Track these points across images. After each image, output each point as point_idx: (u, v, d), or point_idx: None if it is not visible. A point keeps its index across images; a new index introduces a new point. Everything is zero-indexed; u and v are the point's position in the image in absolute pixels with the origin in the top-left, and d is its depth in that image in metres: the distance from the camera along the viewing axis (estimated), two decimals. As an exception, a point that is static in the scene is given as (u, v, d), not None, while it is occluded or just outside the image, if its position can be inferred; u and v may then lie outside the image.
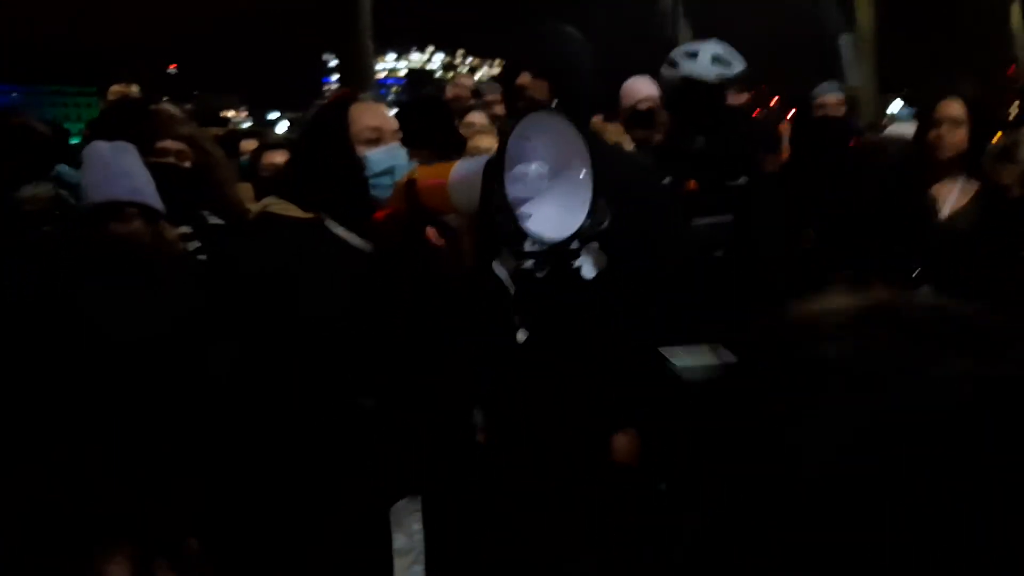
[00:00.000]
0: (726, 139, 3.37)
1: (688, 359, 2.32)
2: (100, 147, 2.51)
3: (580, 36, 2.68)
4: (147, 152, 2.82)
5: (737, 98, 3.58)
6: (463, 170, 1.88)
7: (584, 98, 2.62)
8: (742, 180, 3.38)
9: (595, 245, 2.47)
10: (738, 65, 3.43)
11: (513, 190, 1.74)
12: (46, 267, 2.35)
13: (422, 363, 2.06)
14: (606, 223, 2.46)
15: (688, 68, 3.36)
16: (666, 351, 2.37)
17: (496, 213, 1.76)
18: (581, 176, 1.87)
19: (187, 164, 3.00)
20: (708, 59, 3.46)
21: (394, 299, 2.01)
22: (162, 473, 2.09)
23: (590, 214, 2.41)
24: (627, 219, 2.46)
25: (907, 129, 4.01)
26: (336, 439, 1.97)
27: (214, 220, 3.04)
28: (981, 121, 3.17)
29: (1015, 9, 20.83)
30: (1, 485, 1.96)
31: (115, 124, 3.22)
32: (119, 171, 2.45)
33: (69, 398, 2.14)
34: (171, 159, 2.95)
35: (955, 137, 3.11)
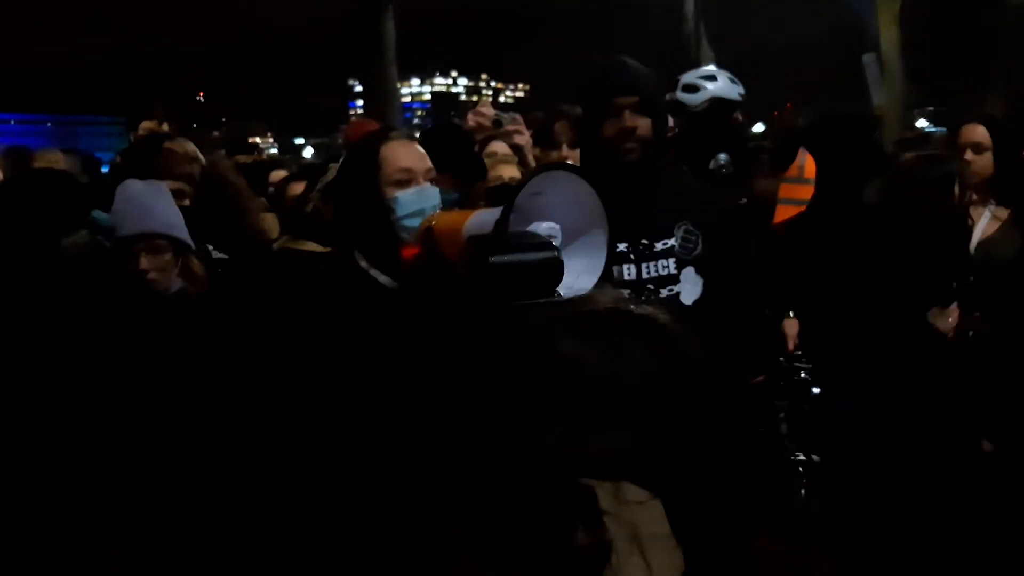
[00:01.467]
0: (741, 156, 3.43)
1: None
2: (133, 184, 2.57)
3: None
4: None
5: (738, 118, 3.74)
6: (479, 220, 1.87)
7: (666, 133, 2.63)
8: (744, 200, 3.43)
9: (691, 270, 2.47)
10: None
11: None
12: (78, 297, 2.38)
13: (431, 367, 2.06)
14: (699, 249, 2.47)
15: (714, 89, 3.51)
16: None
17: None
18: (596, 240, 1.84)
19: (186, 202, 3.02)
20: (727, 79, 3.61)
21: (416, 337, 2.02)
22: (162, 474, 2.10)
23: (678, 238, 2.44)
24: (717, 243, 2.47)
25: None
26: (332, 439, 1.97)
27: (218, 255, 3.07)
28: (1006, 143, 3.14)
29: (1043, 24, 20.64)
30: (2, 485, 1.99)
31: (134, 162, 3.28)
32: (150, 207, 2.50)
33: (68, 398, 2.16)
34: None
35: (980, 163, 3.08)
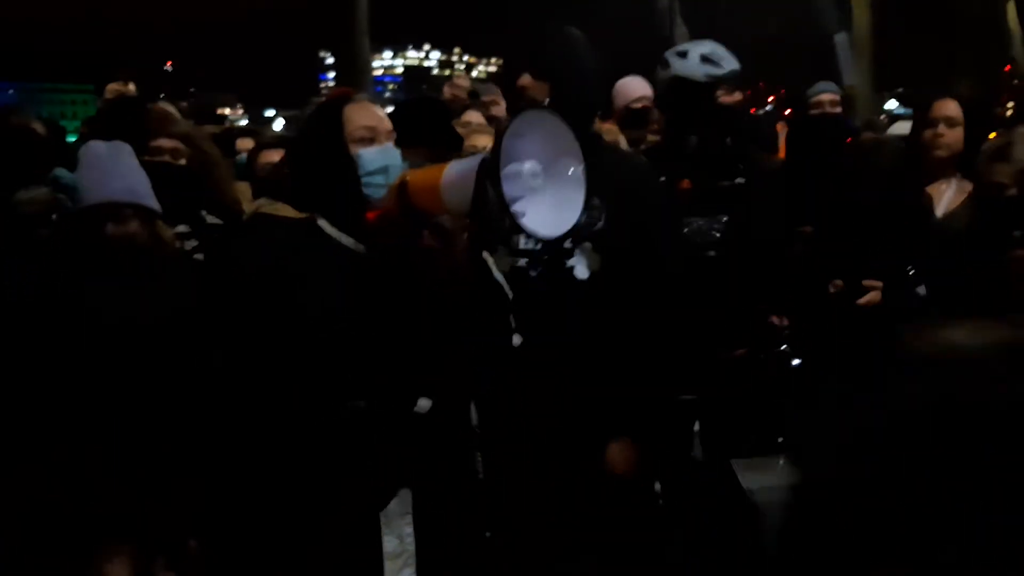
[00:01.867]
0: (719, 138, 3.36)
1: (760, 478, 2.30)
2: (97, 147, 2.52)
3: (584, 37, 2.67)
4: (142, 151, 2.83)
5: (730, 97, 3.55)
6: (455, 171, 1.87)
7: (587, 100, 2.61)
8: (739, 180, 3.37)
9: (588, 245, 2.48)
10: (729, 64, 3.36)
11: (507, 188, 1.73)
12: (45, 267, 2.35)
13: (417, 363, 2.06)
14: (601, 223, 2.47)
15: (678, 67, 3.32)
16: (735, 466, 2.35)
17: (490, 211, 1.76)
18: (574, 174, 1.86)
19: (182, 162, 3.00)
20: (697, 58, 3.42)
21: (387, 300, 2.01)
22: (162, 474, 2.10)
23: (584, 211, 2.43)
24: (623, 219, 2.47)
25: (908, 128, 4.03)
26: (330, 440, 1.97)
27: (212, 219, 3.04)
28: (977, 120, 3.18)
29: (1011, 8, 20.86)
30: (2, 485, 1.97)
31: (111, 123, 3.22)
32: (115, 172, 2.46)
33: (68, 398, 2.15)
34: (166, 157, 2.96)
35: (951, 137, 3.12)
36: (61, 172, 2.42)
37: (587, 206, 2.42)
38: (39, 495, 1.95)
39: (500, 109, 3.54)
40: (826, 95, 4.53)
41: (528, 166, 1.78)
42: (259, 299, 1.99)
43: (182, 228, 2.89)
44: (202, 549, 2.09)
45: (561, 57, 2.60)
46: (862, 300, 2.90)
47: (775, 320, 3.36)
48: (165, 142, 2.99)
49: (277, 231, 2.09)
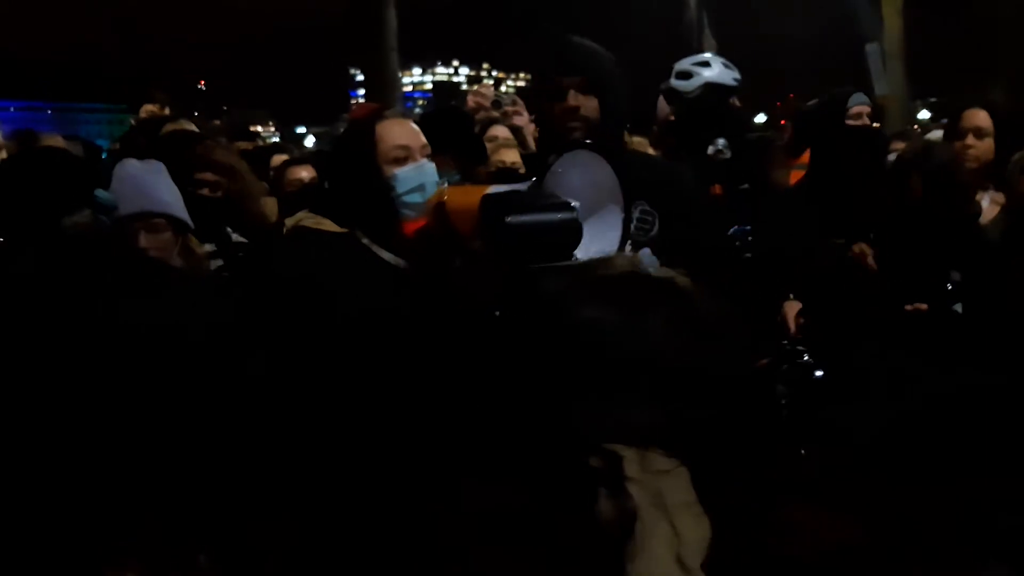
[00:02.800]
0: (741, 142, 3.40)
1: None
2: (131, 164, 2.57)
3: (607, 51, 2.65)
4: (186, 182, 2.85)
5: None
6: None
7: (623, 114, 2.59)
8: (746, 186, 3.42)
9: (647, 251, 2.47)
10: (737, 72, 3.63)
11: None
12: (80, 276, 2.37)
13: (450, 381, 2.06)
14: (655, 229, 2.47)
15: (708, 75, 3.49)
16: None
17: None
18: (613, 218, 1.83)
19: (219, 194, 3.02)
20: (721, 65, 3.61)
21: (426, 315, 2.01)
22: (174, 485, 2.10)
23: (635, 220, 2.43)
24: (675, 226, 2.46)
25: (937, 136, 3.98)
26: (362, 449, 1.98)
27: (237, 238, 3.07)
28: (1008, 130, 3.13)
29: (1046, 16, 20.57)
30: (12, 495, 1.99)
31: (143, 143, 3.27)
32: (149, 186, 2.50)
33: (89, 406, 2.16)
34: (206, 191, 2.97)
35: (980, 148, 3.08)
36: (101, 194, 2.46)
37: (636, 213, 2.43)
38: (49, 506, 1.96)
39: (522, 119, 3.55)
40: (862, 107, 4.51)
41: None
42: (299, 309, 2.01)
43: (208, 247, 2.91)
44: (212, 564, 2.08)
45: (608, 70, 2.56)
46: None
47: (792, 327, 3.34)
48: (209, 175, 3.01)
49: (318, 244, 2.11)
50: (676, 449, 1.10)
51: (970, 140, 3.08)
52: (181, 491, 2.03)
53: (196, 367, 2.22)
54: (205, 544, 1.84)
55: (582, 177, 1.79)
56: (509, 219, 1.32)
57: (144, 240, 2.43)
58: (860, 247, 2.87)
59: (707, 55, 3.62)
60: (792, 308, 3.45)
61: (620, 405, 1.10)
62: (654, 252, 2.48)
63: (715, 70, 3.58)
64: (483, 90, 3.46)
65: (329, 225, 2.69)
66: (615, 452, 1.08)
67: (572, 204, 1.71)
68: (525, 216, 1.34)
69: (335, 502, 1.95)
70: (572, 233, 1.36)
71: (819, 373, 3.33)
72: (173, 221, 2.48)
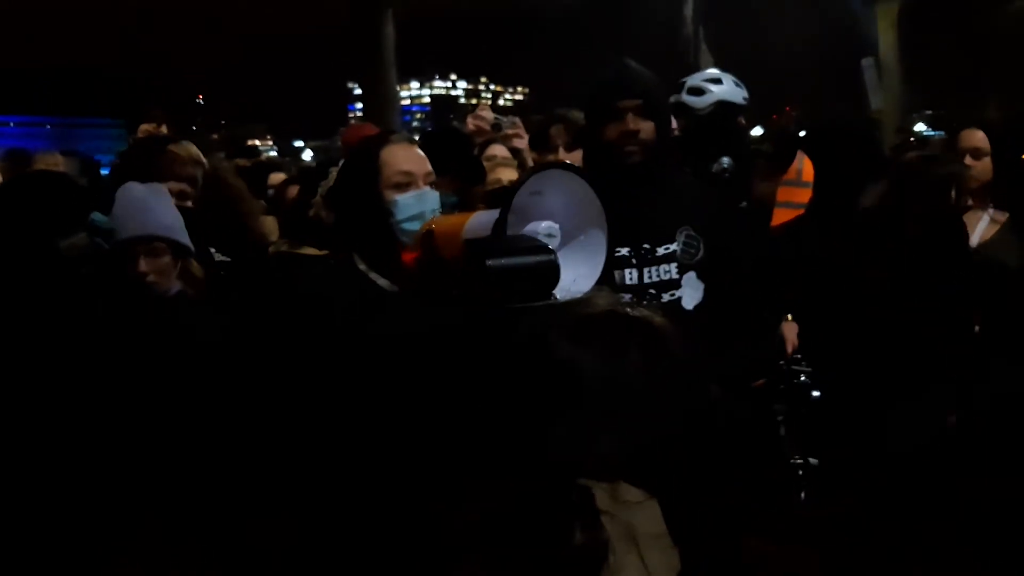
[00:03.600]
0: (742, 160, 3.43)
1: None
2: (134, 187, 2.59)
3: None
4: None
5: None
6: (478, 222, 1.85)
7: (672, 139, 2.60)
8: (744, 203, 3.44)
9: (693, 275, 2.48)
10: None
11: None
12: (79, 297, 2.38)
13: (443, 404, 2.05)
14: (701, 253, 2.48)
15: (720, 93, 3.52)
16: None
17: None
18: (595, 240, 1.82)
19: (188, 204, 3.04)
20: (732, 83, 3.64)
21: (414, 339, 2.02)
22: (175, 487, 2.10)
23: (681, 243, 2.43)
24: (718, 249, 2.48)
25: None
26: (339, 447, 1.97)
27: (220, 257, 3.09)
28: (1004, 149, 3.15)
29: (1041, 29, 20.69)
30: (17, 497, 2.00)
31: (135, 163, 3.29)
32: (150, 209, 2.52)
33: (73, 404, 2.16)
34: (173, 200, 2.98)
35: (979, 167, 3.10)
36: (98, 217, 2.48)
37: (683, 237, 2.46)
38: (51, 503, 1.97)
39: (522, 141, 3.57)
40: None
41: (544, 226, 1.74)
42: (290, 330, 2.01)
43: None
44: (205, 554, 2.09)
45: (662, 95, 2.60)
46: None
47: (789, 347, 3.35)
48: (173, 185, 3.04)
49: (311, 267, 2.11)
50: (646, 482, 1.13)
51: (968, 160, 3.10)
52: (181, 492, 2.04)
53: (200, 376, 2.24)
54: (205, 543, 1.85)
55: (563, 199, 1.78)
56: (489, 263, 1.35)
57: (144, 264, 2.44)
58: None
59: (716, 71, 3.63)
60: (790, 329, 3.47)
61: (594, 440, 1.14)
62: (699, 276, 2.51)
63: (727, 87, 3.63)
64: (483, 113, 3.47)
65: (310, 251, 2.70)
66: (587, 486, 1.11)
67: (552, 241, 1.70)
68: (504, 260, 1.37)
69: (326, 513, 1.96)
70: (550, 274, 1.40)
71: (816, 393, 3.34)
72: (173, 245, 2.49)
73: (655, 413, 1.17)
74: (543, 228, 1.73)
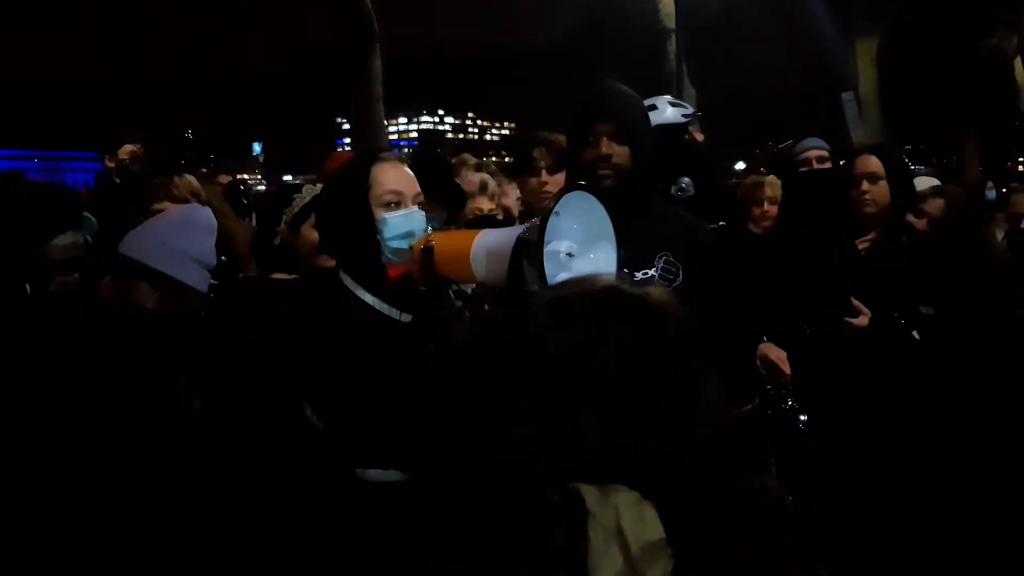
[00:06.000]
0: (707, 175, 3.43)
1: None
2: (174, 213, 2.61)
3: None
4: (144, 213, 2.92)
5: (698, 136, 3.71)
6: (490, 242, 1.88)
7: (653, 164, 2.57)
8: (721, 223, 3.43)
9: None
10: (691, 107, 3.65)
11: (546, 267, 1.72)
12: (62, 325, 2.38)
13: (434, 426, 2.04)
14: (680, 280, 2.46)
15: (656, 119, 3.44)
16: None
17: (528, 288, 1.74)
18: (607, 256, 1.86)
19: None
20: (667, 104, 3.64)
21: (407, 359, 2.00)
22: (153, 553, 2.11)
23: (660, 269, 2.47)
24: (697, 274, 2.48)
25: (924, 184, 4.07)
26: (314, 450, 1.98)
27: (210, 280, 3.09)
28: (897, 173, 3.21)
29: (1018, 63, 21.08)
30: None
31: (116, 185, 3.32)
32: (172, 239, 2.52)
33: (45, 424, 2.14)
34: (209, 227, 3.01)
35: (876, 191, 3.13)
36: (89, 217, 2.50)
37: (661, 263, 2.45)
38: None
39: (509, 199, 3.56)
40: (813, 151, 4.55)
41: (565, 245, 1.79)
42: (274, 350, 2.02)
43: None
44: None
45: (641, 119, 2.57)
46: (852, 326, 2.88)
47: (779, 364, 3.36)
48: (167, 205, 3.07)
49: (298, 283, 2.09)
50: (641, 484, 1.08)
51: (865, 185, 3.15)
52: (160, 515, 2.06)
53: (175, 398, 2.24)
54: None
55: (577, 220, 1.82)
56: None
57: (121, 289, 2.43)
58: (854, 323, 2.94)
59: (651, 99, 3.59)
60: (771, 350, 3.44)
61: (571, 418, 1.10)
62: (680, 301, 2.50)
63: (662, 112, 3.59)
64: (469, 176, 3.41)
65: (279, 276, 2.70)
66: (575, 488, 1.07)
67: (568, 264, 1.78)
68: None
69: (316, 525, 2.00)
70: None
71: (803, 417, 3.34)
72: (149, 272, 2.43)
73: (638, 392, 1.12)
74: (564, 247, 1.79)
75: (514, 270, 1.76)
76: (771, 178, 4.04)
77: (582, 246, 1.82)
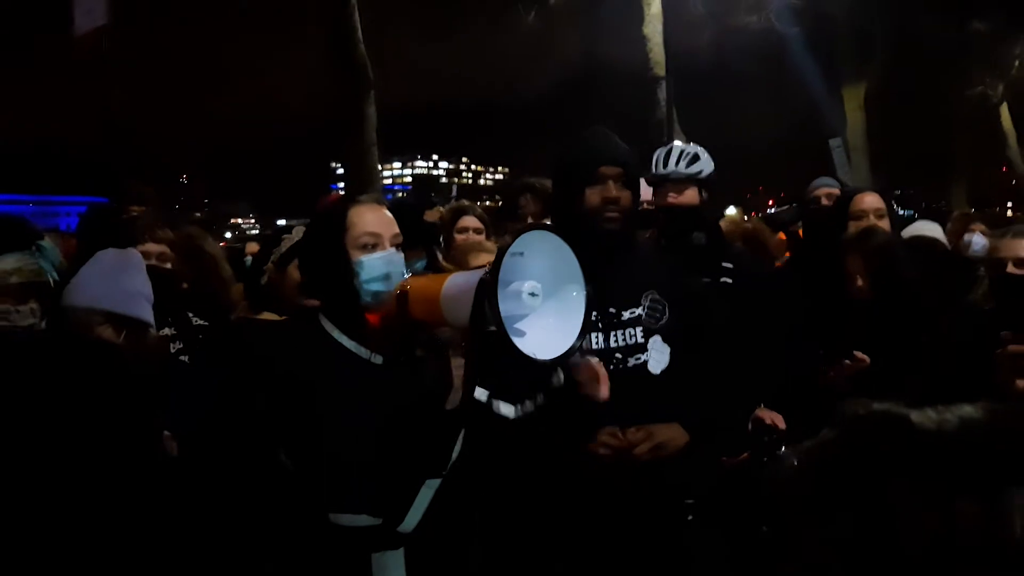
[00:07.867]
0: (715, 229, 3.42)
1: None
2: (106, 255, 2.56)
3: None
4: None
5: (681, 197, 3.54)
6: (456, 284, 1.87)
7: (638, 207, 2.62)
8: (726, 279, 3.45)
9: (658, 339, 2.47)
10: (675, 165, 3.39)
11: (506, 307, 1.72)
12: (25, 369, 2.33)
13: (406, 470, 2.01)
14: (666, 317, 2.46)
15: (706, 170, 3.43)
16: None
17: (488, 328, 1.73)
18: (575, 296, 1.86)
19: (168, 265, 3.07)
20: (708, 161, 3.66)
21: (381, 403, 2.00)
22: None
23: (644, 308, 2.49)
24: (683, 314, 2.49)
25: (926, 229, 4.10)
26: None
27: (198, 321, 3.09)
28: (891, 216, 3.28)
29: (1004, 109, 21.41)
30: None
31: (97, 227, 3.33)
32: (116, 279, 2.49)
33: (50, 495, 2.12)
34: (153, 261, 3.00)
35: (883, 224, 3.19)
36: (46, 244, 2.49)
37: (647, 302, 2.48)
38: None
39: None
40: (823, 189, 4.54)
41: (528, 285, 1.78)
42: (256, 393, 2.02)
43: (167, 331, 2.92)
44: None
45: (636, 167, 2.61)
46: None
47: (774, 423, 3.35)
48: (152, 247, 3.06)
49: (280, 327, 2.10)
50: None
51: (872, 220, 3.21)
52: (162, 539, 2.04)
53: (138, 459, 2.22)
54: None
55: (542, 257, 1.82)
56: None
57: (99, 332, 2.40)
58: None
59: (697, 148, 3.53)
60: (765, 415, 3.40)
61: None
62: (665, 339, 2.51)
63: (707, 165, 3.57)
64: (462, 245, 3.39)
65: (268, 316, 2.70)
66: None
67: (534, 299, 1.79)
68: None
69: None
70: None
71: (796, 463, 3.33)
72: (112, 317, 2.43)
73: None
74: (526, 287, 1.78)
75: (476, 311, 1.75)
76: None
77: (549, 286, 1.81)
